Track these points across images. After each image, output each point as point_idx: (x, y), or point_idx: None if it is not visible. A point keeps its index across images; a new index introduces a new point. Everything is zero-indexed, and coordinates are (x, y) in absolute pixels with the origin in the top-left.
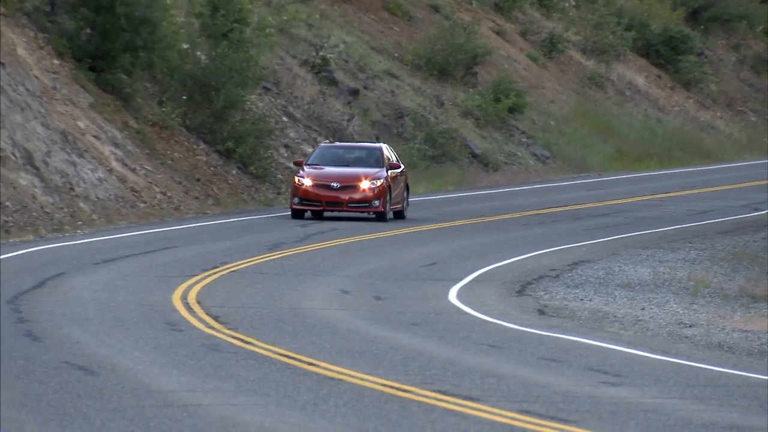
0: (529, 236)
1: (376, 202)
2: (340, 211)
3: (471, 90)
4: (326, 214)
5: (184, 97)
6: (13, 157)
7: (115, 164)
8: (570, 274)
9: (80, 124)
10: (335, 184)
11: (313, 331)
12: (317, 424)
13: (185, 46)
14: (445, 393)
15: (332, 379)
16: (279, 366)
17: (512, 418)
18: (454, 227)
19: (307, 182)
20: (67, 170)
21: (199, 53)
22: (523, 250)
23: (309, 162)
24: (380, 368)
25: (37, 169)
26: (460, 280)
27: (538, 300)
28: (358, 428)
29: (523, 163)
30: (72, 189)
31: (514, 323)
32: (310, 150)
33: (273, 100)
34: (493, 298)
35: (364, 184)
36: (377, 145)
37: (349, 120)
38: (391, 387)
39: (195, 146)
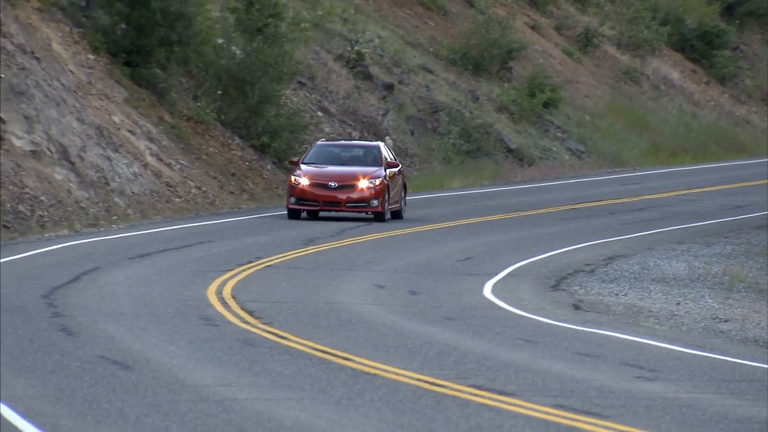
0: (564, 231)
1: (375, 202)
2: (337, 211)
3: (506, 85)
4: (322, 213)
5: (219, 92)
6: (48, 152)
7: (150, 159)
8: (605, 269)
9: (115, 118)
10: (333, 184)
11: (348, 326)
12: (352, 419)
13: (220, 40)
14: (479, 388)
15: (367, 373)
16: (314, 361)
17: (547, 413)
18: (489, 222)
19: (304, 181)
20: (103, 165)
21: (234, 48)
22: (558, 245)
23: (305, 160)
24: (415, 363)
25: (72, 163)
26: (495, 274)
27: (573, 295)
28: (392, 423)
29: (558, 157)
30: (107, 184)
31: (549, 318)
32: None
33: (308, 94)
34: (527, 293)
35: (362, 184)
36: (374, 143)
37: (384, 115)
38: (426, 382)
39: (230, 141)
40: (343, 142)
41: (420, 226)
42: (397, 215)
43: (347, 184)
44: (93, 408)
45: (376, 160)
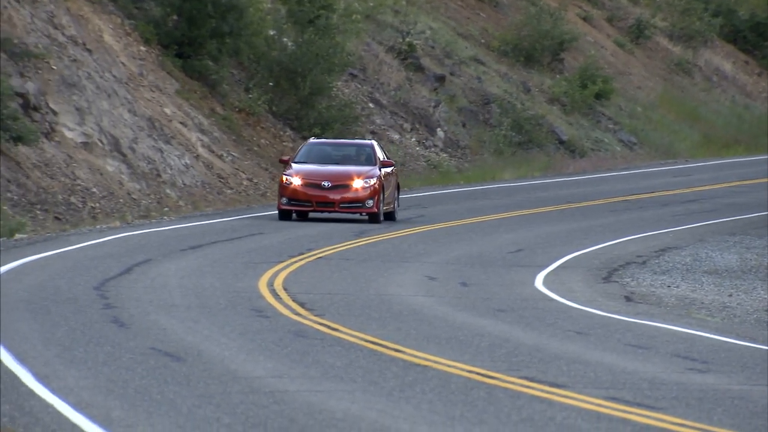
0: (616, 222)
1: (370, 203)
2: (330, 211)
3: (557, 76)
4: (311, 215)
5: (271, 84)
6: (100, 144)
7: (201, 150)
8: (657, 261)
9: (167, 110)
10: (326, 183)
11: (399, 318)
12: (403, 411)
13: (272, 32)
14: (531, 379)
15: (418, 365)
16: (365, 352)
17: (599, 405)
18: (540, 213)
19: (296, 181)
20: (154, 156)
21: (285, 39)
22: (610, 237)
23: (296, 159)
24: (466, 355)
25: (124, 155)
26: (547, 266)
27: (625, 286)
28: (444, 415)
29: (610, 149)
30: (159, 175)
31: (601, 310)
32: (396, 137)
33: (359, 86)
34: (579, 285)
35: (357, 183)
36: (368, 142)
37: (435, 106)
38: (477, 373)
39: (281, 132)
40: (335, 140)
41: (471, 218)
42: (390, 216)
43: (341, 183)
44: (145, 399)
45: (369, 159)
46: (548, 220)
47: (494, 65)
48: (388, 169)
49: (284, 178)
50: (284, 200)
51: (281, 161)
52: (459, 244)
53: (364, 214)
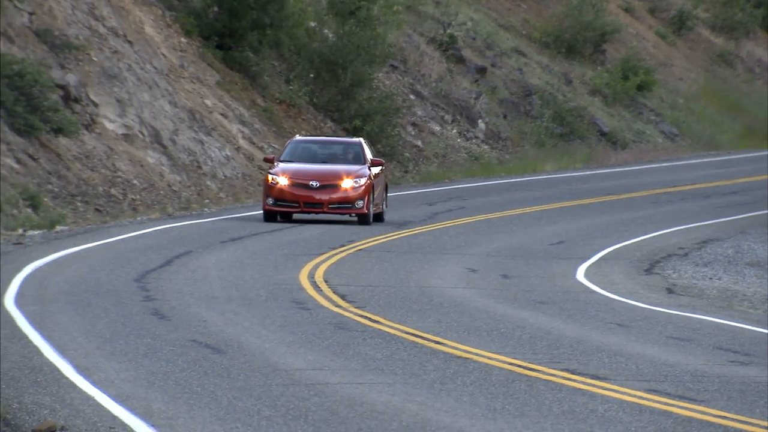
0: (657, 214)
1: (360, 203)
2: (318, 212)
3: (599, 68)
4: (296, 216)
5: (312, 75)
6: (140, 136)
7: (242, 142)
8: (698, 253)
9: (207, 102)
10: (314, 183)
11: (440, 310)
12: (444, 403)
13: (312, 24)
14: (572, 372)
15: (459, 357)
16: (406, 345)
17: (640, 398)
18: (582, 205)
19: (283, 181)
20: (195, 148)
21: (326, 31)
22: (651, 229)
23: (282, 158)
24: (507, 347)
25: (164, 147)
26: (588, 258)
27: (667, 278)
28: (485, 407)
29: (652, 141)
30: (199, 167)
31: (642, 302)
32: (437, 129)
33: (400, 78)
34: (620, 277)
35: (346, 183)
36: (355, 140)
37: (476, 98)
38: (519, 366)
39: (322, 124)
40: (321, 138)
41: (513, 210)
42: (378, 217)
43: (330, 183)
44: (185, 392)
45: (358, 157)
46: (590, 212)
47: (536, 57)
48: (377, 169)
49: (270, 177)
50: (270, 201)
51: (266, 160)
52: (500, 235)
53: (353, 215)
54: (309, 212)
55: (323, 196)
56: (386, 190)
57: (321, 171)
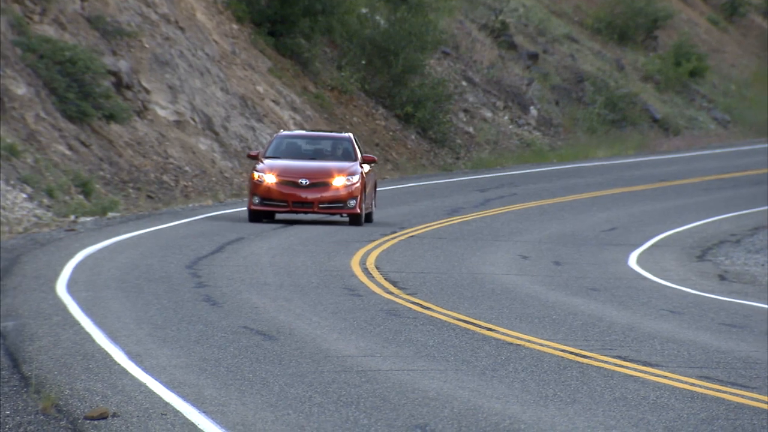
0: (709, 201)
1: (352, 203)
2: (308, 212)
3: (651, 54)
4: (280, 216)
5: (363, 62)
6: (192, 122)
7: (293, 129)
8: (751, 239)
9: (259, 88)
10: (304, 181)
11: (492, 297)
12: (496, 390)
13: (364, 10)
14: (624, 359)
15: (511, 344)
16: (458, 331)
17: (692, 384)
18: (634, 192)
19: (270, 178)
20: (246, 135)
21: (377, 17)
22: (703, 215)
23: (267, 154)
24: (559, 334)
25: (216, 134)
26: (640, 245)
27: (719, 265)
28: (536, 394)
29: (704, 127)
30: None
31: (694, 288)
32: (489, 115)
33: (452, 64)
34: (672, 264)
35: (338, 181)
36: (345, 135)
37: (528, 84)
38: (570, 353)
39: (374, 111)
40: (309, 132)
41: (564, 197)
42: (368, 218)
43: (320, 181)
44: (237, 378)
45: (348, 153)
46: (641, 198)
47: (587, 43)
48: (368, 166)
49: (256, 174)
50: (256, 200)
51: (249, 156)
52: (552, 222)
53: (344, 215)
54: (298, 212)
55: (313, 195)
56: (375, 188)
57: (310, 168)
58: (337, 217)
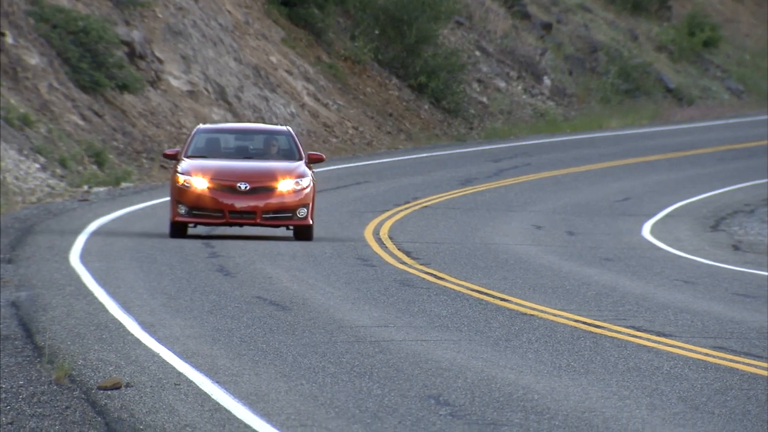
0: (723, 171)
1: (302, 212)
2: (247, 224)
3: (665, 24)
4: (192, 227)
5: (377, 32)
6: (205, 92)
7: (307, 99)
8: (765, 209)
9: (272, 59)
10: (243, 185)
11: (506, 267)
12: (509, 360)
13: None
14: (638, 329)
15: (524, 314)
16: (471, 302)
17: (706, 354)
18: (647, 162)
19: (200, 183)
20: (260, 105)
21: None
22: (717, 185)
23: (189, 153)
24: (573, 304)
25: (229, 104)
26: (654, 215)
27: (733, 235)
28: (550, 364)
29: (718, 97)
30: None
31: (708, 259)
32: (503, 85)
33: (465, 34)
34: (686, 234)
35: (284, 185)
36: (282, 128)
37: (541, 54)
38: (584, 323)
39: (387, 81)
40: (235, 125)
41: (578, 167)
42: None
43: (262, 185)
44: (250, 348)
45: (290, 151)
46: (655, 168)
47: (601, 13)
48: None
49: (180, 178)
50: (183, 209)
51: (165, 155)
52: (565, 192)
53: (290, 227)
54: (235, 224)
55: (255, 203)
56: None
57: (249, 169)
58: (280, 231)
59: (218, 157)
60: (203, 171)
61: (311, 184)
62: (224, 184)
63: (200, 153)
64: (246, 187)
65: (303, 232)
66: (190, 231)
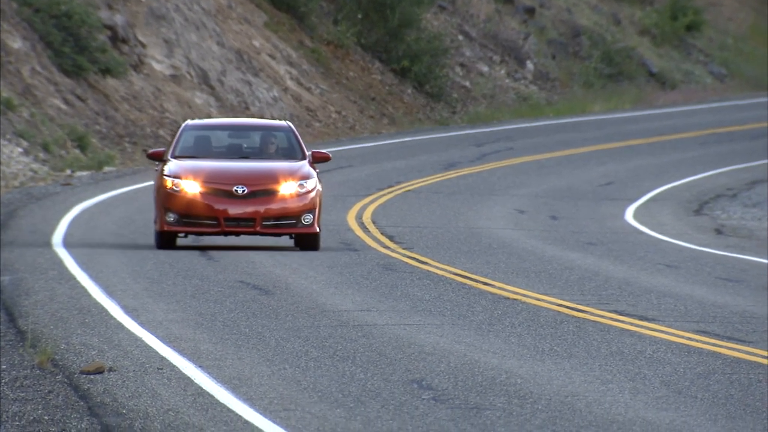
0: (706, 155)
1: (308, 218)
2: (245, 233)
3: (648, 8)
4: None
5: (360, 16)
6: (188, 76)
7: (290, 83)
8: (747, 194)
9: (255, 43)
10: (240, 189)
11: (489, 251)
12: (492, 344)
13: None
14: (620, 313)
15: (507, 299)
16: (454, 286)
17: (689, 339)
18: (630, 146)
19: (192, 187)
20: (242, 89)
21: None
22: (700, 169)
23: (177, 152)
24: (556, 288)
25: (212, 88)
26: (637, 199)
27: (715, 219)
28: (533, 348)
29: (701, 81)
30: (247, 108)
31: (691, 243)
32: (486, 69)
33: (448, 18)
34: (669, 218)
35: (287, 188)
36: (281, 123)
37: (524, 38)
38: (567, 307)
39: (370, 65)
40: (227, 121)
41: (563, 150)
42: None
43: (262, 189)
44: (233, 333)
45: (291, 149)
46: (638, 153)
47: None
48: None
49: (168, 181)
50: (171, 217)
51: (149, 156)
52: (548, 177)
53: (293, 235)
54: (231, 233)
55: (254, 208)
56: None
57: (246, 171)
58: (282, 240)
59: (210, 156)
60: (194, 173)
61: (317, 187)
62: (219, 187)
63: (189, 152)
64: (244, 191)
65: (308, 242)
66: (180, 241)
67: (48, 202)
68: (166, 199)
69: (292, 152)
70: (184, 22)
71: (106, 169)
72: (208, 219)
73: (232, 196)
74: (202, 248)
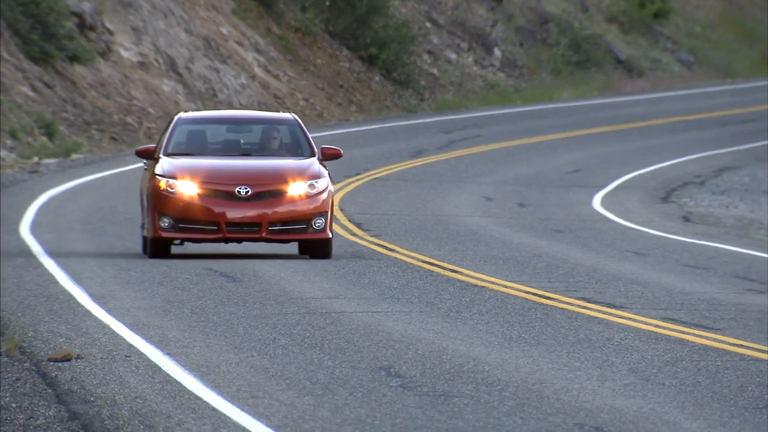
0: (674, 143)
1: (320, 222)
2: (249, 239)
3: None
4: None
5: (327, 3)
6: (156, 63)
7: (257, 70)
8: (715, 181)
9: (223, 30)
10: (243, 190)
11: (456, 239)
12: (460, 331)
13: None
14: (588, 300)
15: (475, 286)
16: (422, 273)
17: (656, 326)
18: (598, 134)
19: (189, 188)
20: (210, 76)
21: None
22: (668, 157)
23: (170, 150)
24: (524, 276)
25: (179, 75)
26: (604, 186)
27: (683, 207)
28: (500, 335)
29: (668, 69)
30: (215, 95)
31: (659, 230)
32: (453, 57)
33: (416, 5)
34: (637, 205)
35: (295, 189)
36: (287, 115)
37: (492, 26)
38: (535, 294)
39: (338, 52)
40: (225, 113)
41: (530, 137)
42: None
43: (268, 189)
44: (201, 320)
45: (299, 145)
46: (606, 140)
47: None
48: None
49: (162, 182)
50: (166, 222)
51: (139, 154)
52: (516, 164)
53: (302, 240)
54: (233, 239)
55: (260, 211)
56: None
57: (249, 169)
58: (290, 247)
59: (207, 154)
60: (191, 172)
61: (329, 187)
62: (219, 188)
63: (183, 149)
64: (247, 192)
65: (319, 249)
66: (175, 249)
67: (15, 190)
68: (159, 201)
69: (298, 148)
70: (152, 9)
71: (74, 156)
72: (207, 224)
73: (234, 198)
74: (200, 257)
